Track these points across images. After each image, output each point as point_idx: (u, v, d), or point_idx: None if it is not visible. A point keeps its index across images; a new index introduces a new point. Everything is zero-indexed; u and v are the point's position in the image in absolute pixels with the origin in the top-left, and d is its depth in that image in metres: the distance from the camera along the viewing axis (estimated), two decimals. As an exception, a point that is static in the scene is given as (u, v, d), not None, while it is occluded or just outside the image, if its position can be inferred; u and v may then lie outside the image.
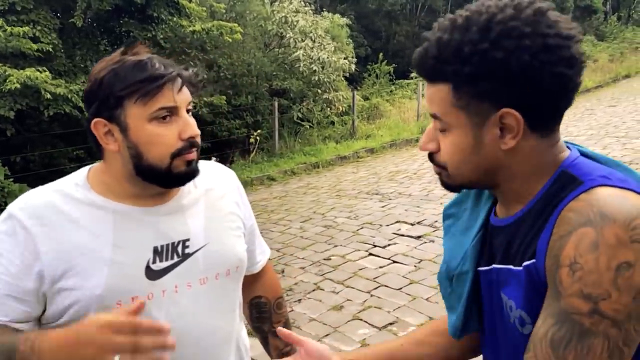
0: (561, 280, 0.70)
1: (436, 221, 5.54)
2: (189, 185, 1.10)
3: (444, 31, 0.77)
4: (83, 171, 1.08)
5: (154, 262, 1.02)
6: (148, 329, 0.83)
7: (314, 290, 4.10)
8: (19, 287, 0.97)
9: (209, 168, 1.19)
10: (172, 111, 0.98)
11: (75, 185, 1.04)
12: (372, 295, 3.93)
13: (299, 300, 3.94)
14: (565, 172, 0.78)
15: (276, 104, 10.50)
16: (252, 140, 10.06)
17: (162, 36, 8.33)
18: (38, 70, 6.48)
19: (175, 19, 8.38)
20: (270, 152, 10.34)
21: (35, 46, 6.91)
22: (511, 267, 0.81)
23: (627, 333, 0.67)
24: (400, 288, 4.02)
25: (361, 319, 3.58)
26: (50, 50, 7.25)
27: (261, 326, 1.35)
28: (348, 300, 3.88)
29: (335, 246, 5.07)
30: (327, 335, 3.42)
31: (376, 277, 4.26)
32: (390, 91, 15.63)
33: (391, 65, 16.44)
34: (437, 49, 0.76)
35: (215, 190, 1.16)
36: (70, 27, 7.69)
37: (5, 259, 0.97)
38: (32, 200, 1.00)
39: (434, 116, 0.81)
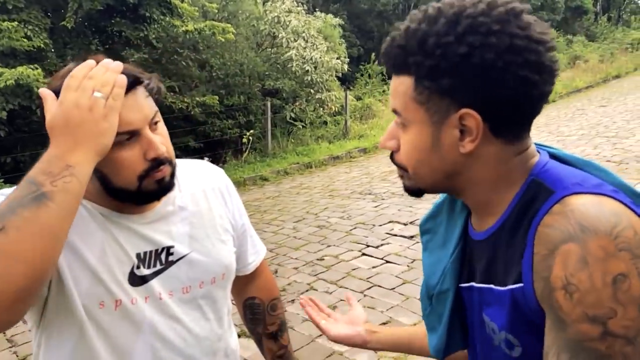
0: (560, 305, 0.65)
1: (429, 221, 5.56)
2: (174, 190, 1.07)
3: (413, 21, 0.73)
4: None
5: (137, 267, 1.00)
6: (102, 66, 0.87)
7: (307, 291, 4.10)
8: None
9: (195, 168, 1.17)
10: (132, 133, 0.92)
11: None
12: (365, 295, 3.94)
13: (292, 301, 3.93)
14: (536, 180, 0.73)
15: (269, 103, 10.49)
16: (244, 140, 10.04)
17: (154, 36, 8.29)
18: (30, 68, 6.43)
19: (167, 18, 8.35)
20: (263, 152, 10.33)
21: (27, 43, 6.85)
22: (492, 286, 0.77)
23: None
24: (394, 288, 4.03)
25: (354, 319, 3.58)
26: (43, 46, 7.20)
27: (255, 328, 1.32)
28: (341, 300, 3.88)
29: (329, 246, 5.08)
30: (320, 335, 3.41)
31: (369, 277, 4.27)
32: (383, 91, 15.63)
33: (383, 65, 16.46)
34: (405, 39, 0.73)
35: (201, 192, 1.12)
36: (61, 26, 7.63)
37: None
38: None
39: (394, 111, 0.78)
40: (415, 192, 0.84)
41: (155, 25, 8.32)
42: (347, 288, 4.09)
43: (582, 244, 0.64)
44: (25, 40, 6.86)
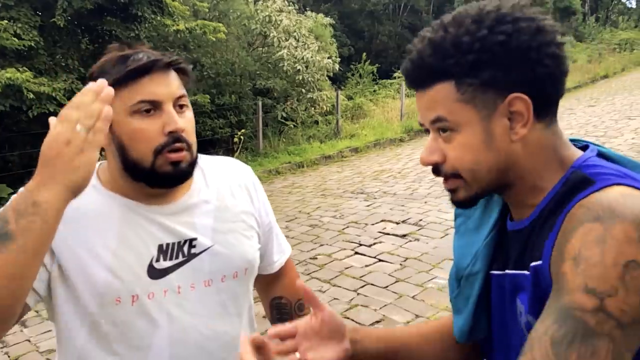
0: (564, 273, 0.66)
1: (421, 220, 5.59)
2: (200, 184, 1.09)
3: (434, 32, 0.76)
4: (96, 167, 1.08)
5: (157, 260, 1.00)
6: (93, 91, 0.82)
7: (300, 290, 4.11)
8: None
9: (223, 165, 1.17)
10: (155, 105, 0.95)
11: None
12: (358, 294, 3.96)
13: (286, 300, 3.94)
14: (577, 172, 0.75)
15: (260, 103, 10.47)
16: (236, 139, 10.02)
17: (145, 35, 8.24)
18: (18, 70, 6.37)
19: (158, 17, 8.30)
20: (255, 152, 10.32)
21: (17, 42, 6.79)
22: (525, 272, 0.77)
23: (630, 338, 0.63)
24: (387, 286, 4.05)
25: (348, 318, 3.59)
26: (33, 45, 7.13)
27: None
28: (335, 299, 3.90)
29: (321, 245, 5.09)
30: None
31: (362, 276, 4.29)
32: (374, 91, 15.70)
33: (374, 65, 16.52)
34: (432, 49, 0.75)
35: (228, 188, 1.12)
36: (51, 25, 7.57)
37: None
38: None
39: (437, 119, 0.78)
40: (470, 202, 0.82)
41: (147, 24, 8.28)
42: (340, 287, 4.10)
43: (606, 225, 0.65)
44: (15, 39, 6.80)
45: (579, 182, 0.74)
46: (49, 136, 0.81)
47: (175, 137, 0.95)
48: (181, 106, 0.99)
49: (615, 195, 0.68)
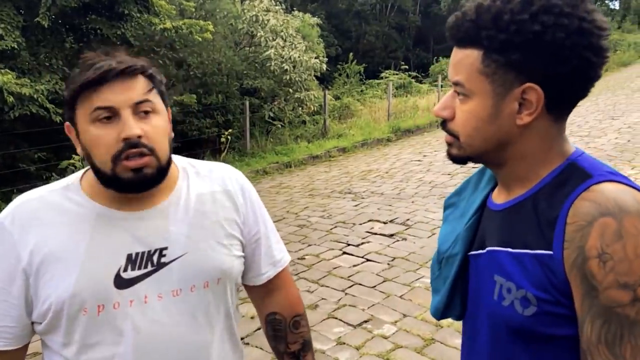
0: (593, 273, 0.71)
1: (408, 219, 5.62)
2: (182, 190, 1.08)
3: None
4: (80, 172, 1.08)
5: (125, 270, 0.99)
6: None
7: (288, 290, 4.10)
8: (9, 291, 0.97)
9: (211, 170, 1.15)
10: (113, 111, 0.94)
11: (65, 186, 1.04)
12: (346, 294, 3.96)
13: (274, 300, 3.93)
14: (574, 164, 0.81)
15: (247, 103, 10.44)
16: (223, 139, 9.96)
17: (130, 34, 8.16)
18: (1, 73, 6.27)
19: (144, 16, 8.22)
20: (242, 152, 10.28)
21: (0, 43, 6.69)
22: (509, 249, 0.82)
23: None
24: (374, 286, 4.06)
25: (336, 318, 3.60)
26: (15, 47, 7.02)
27: (276, 345, 1.24)
28: (323, 299, 3.90)
29: (309, 245, 5.08)
30: (302, 334, 3.42)
31: (350, 276, 4.29)
32: (361, 91, 15.73)
33: (361, 64, 16.55)
34: (476, 13, 0.78)
35: (209, 194, 1.10)
36: (34, 24, 7.45)
37: None
38: (17, 206, 1.01)
39: (457, 83, 0.82)
40: (460, 160, 0.88)
41: (133, 23, 8.19)
42: (328, 287, 4.10)
43: (618, 220, 0.71)
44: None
45: (575, 174, 0.79)
46: None
47: (130, 144, 0.94)
48: (146, 112, 0.97)
49: (615, 190, 0.74)
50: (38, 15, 7.25)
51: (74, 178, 1.06)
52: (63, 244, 0.97)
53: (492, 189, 0.94)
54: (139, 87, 0.97)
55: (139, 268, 1.00)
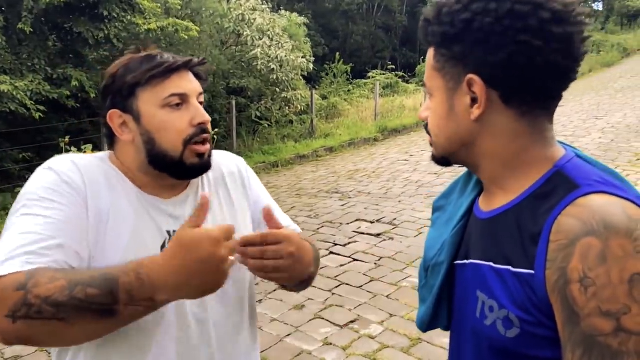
0: (574, 299, 0.66)
1: (395, 219, 5.62)
2: (198, 180, 1.12)
3: None
4: (105, 154, 1.09)
5: (168, 243, 1.01)
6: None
7: (275, 290, 4.08)
8: (80, 224, 0.95)
9: (217, 157, 1.20)
10: (183, 98, 1.02)
11: (100, 159, 1.06)
12: (333, 294, 3.95)
13: (260, 301, 3.91)
14: (560, 172, 0.75)
15: (234, 102, 10.38)
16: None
17: (114, 34, 8.06)
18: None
19: (129, 17, 8.13)
20: (228, 151, 10.20)
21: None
22: (491, 264, 0.78)
23: None
24: (361, 286, 4.06)
25: (323, 318, 3.58)
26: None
27: None
28: (309, 299, 3.88)
29: (296, 245, 5.06)
30: (289, 335, 3.40)
31: (337, 276, 4.28)
32: (348, 90, 15.74)
33: (348, 64, 16.56)
34: (432, 12, 0.79)
35: (223, 179, 1.17)
36: (16, 23, 7.33)
37: (59, 204, 0.94)
38: (76, 160, 1.01)
39: (423, 82, 0.84)
40: (438, 161, 0.87)
41: (117, 24, 8.09)
42: (315, 287, 4.09)
43: (603, 240, 0.65)
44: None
45: (562, 184, 0.73)
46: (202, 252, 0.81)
47: (202, 129, 1.03)
48: (201, 103, 1.07)
49: (602, 206, 0.68)
50: (20, 16, 7.13)
51: (104, 156, 1.07)
52: (117, 209, 0.99)
53: (479, 193, 0.90)
54: (195, 80, 1.07)
55: None
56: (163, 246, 1.02)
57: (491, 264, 0.78)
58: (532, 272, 0.71)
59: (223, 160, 1.20)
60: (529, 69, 0.72)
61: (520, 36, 0.70)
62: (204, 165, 1.05)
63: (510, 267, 0.74)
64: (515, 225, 0.76)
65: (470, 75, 0.75)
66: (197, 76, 1.08)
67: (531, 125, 0.77)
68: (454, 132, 0.80)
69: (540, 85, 0.74)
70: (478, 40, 0.72)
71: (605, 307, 0.64)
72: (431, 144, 0.87)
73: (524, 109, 0.76)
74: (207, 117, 1.04)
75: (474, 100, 0.76)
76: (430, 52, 0.81)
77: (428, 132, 0.86)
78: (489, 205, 0.83)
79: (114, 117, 1.03)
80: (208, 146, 1.05)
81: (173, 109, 1.01)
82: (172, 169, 1.03)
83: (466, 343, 0.85)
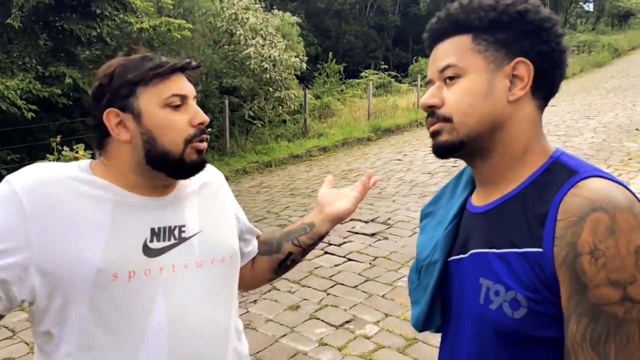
0: (584, 270, 0.70)
1: (389, 218, 5.62)
2: (185, 181, 1.13)
3: None
4: (85, 161, 1.08)
5: (151, 241, 1.02)
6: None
7: (269, 291, 4.06)
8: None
9: None
10: (183, 99, 1.04)
11: (78, 167, 1.04)
12: (328, 294, 3.94)
13: (255, 302, 3.89)
14: (558, 162, 0.82)
15: (227, 102, 10.35)
16: (202, 139, 9.86)
17: (106, 32, 8.00)
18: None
19: (121, 15, 8.07)
20: (221, 151, 10.18)
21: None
22: (495, 250, 0.81)
23: None
24: (356, 286, 4.05)
25: (318, 318, 3.57)
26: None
27: (273, 257, 1.30)
28: (304, 299, 3.87)
29: (290, 245, 5.04)
30: (284, 335, 3.39)
31: (332, 276, 4.27)
32: (341, 90, 15.74)
33: (341, 64, 16.57)
34: (460, 6, 0.85)
35: (208, 186, 1.18)
36: (6, 22, 7.25)
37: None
38: (32, 177, 0.97)
39: (447, 66, 0.84)
40: (450, 146, 0.86)
41: (109, 22, 8.03)
42: (309, 287, 4.07)
43: (610, 215, 0.70)
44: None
45: (560, 172, 0.80)
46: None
47: (202, 129, 1.06)
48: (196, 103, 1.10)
49: (603, 186, 0.74)
50: (10, 13, 7.05)
51: (81, 164, 1.06)
52: (84, 216, 0.97)
53: (470, 194, 0.94)
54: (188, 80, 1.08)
55: (164, 240, 1.04)
56: (145, 245, 1.01)
57: (494, 250, 0.82)
58: (540, 250, 0.75)
59: (205, 171, 1.20)
60: (558, 65, 0.84)
61: (558, 38, 0.83)
62: (201, 162, 1.07)
63: (515, 250, 0.79)
64: (519, 210, 0.80)
65: (520, 58, 0.81)
66: (189, 80, 1.10)
67: (539, 118, 0.86)
68: (488, 111, 0.83)
69: (556, 83, 0.85)
70: (530, 30, 0.82)
71: (614, 277, 0.69)
72: (438, 131, 0.86)
73: (541, 101, 0.85)
74: (206, 118, 1.06)
75: (511, 83, 0.82)
76: (463, 39, 0.84)
77: (438, 117, 0.86)
78: (485, 199, 0.88)
79: (111, 116, 1.02)
80: (205, 144, 1.07)
81: (173, 109, 1.02)
82: (171, 168, 1.04)
83: (464, 334, 0.88)
